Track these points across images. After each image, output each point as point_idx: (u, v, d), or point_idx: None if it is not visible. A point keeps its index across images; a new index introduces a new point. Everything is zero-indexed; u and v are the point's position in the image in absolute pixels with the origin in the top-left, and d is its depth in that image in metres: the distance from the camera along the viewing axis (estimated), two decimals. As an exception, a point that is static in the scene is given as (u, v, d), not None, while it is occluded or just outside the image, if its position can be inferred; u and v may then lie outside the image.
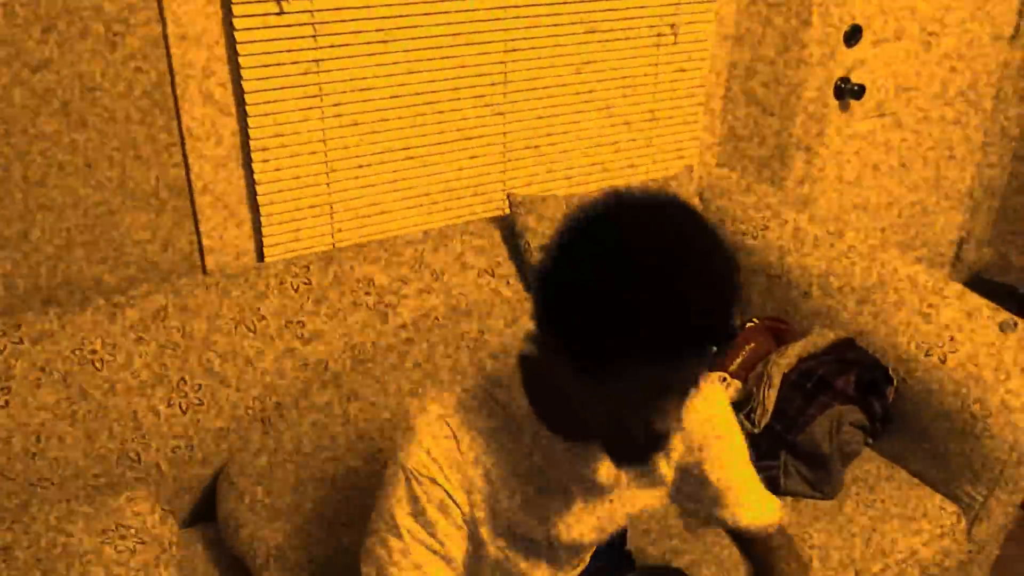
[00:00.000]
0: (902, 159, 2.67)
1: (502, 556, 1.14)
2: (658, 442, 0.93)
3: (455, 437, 1.03)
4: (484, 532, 1.09)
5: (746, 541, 1.26)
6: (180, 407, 1.51)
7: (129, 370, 1.49)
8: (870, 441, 1.70)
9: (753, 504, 1.23)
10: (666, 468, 1.15)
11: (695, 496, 1.20)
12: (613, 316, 0.83)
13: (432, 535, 1.05)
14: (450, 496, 1.04)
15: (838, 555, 1.51)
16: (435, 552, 1.06)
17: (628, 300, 0.82)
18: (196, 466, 1.54)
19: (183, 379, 1.52)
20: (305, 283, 1.65)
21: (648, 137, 2.14)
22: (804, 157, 2.38)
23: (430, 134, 1.84)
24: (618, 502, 1.15)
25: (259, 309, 1.60)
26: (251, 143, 1.64)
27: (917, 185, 2.77)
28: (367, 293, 1.69)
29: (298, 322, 1.62)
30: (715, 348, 0.85)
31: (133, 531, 1.33)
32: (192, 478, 1.54)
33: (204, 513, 1.56)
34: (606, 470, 1.09)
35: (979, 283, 2.88)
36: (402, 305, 1.71)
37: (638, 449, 0.95)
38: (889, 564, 1.53)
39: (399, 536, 1.05)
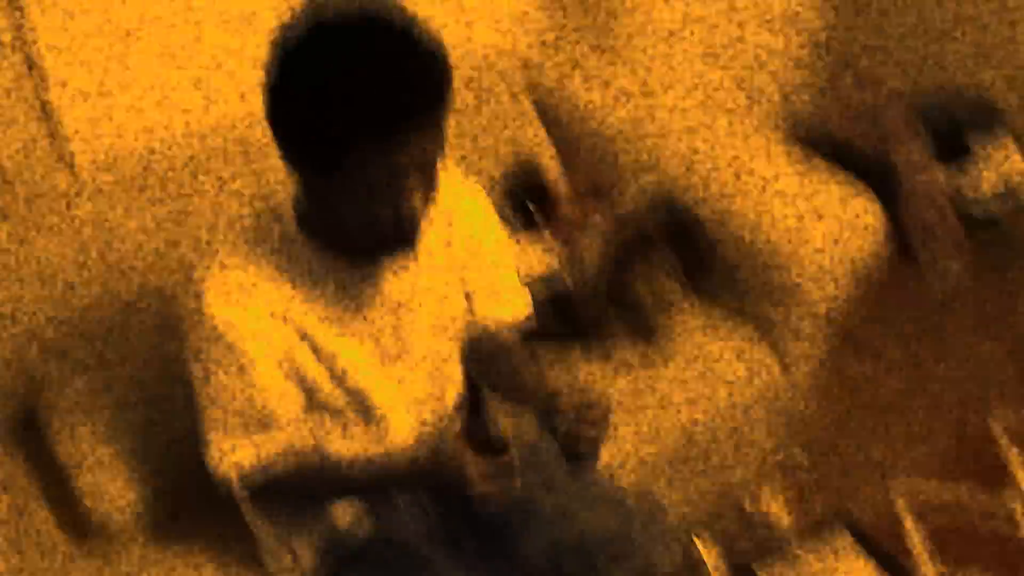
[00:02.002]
0: (725, 17, 2.70)
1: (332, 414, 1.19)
2: (412, 223, 1.01)
3: (245, 291, 1.07)
4: (306, 367, 1.13)
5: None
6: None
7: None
8: (690, 289, 1.78)
9: (510, 297, 1.32)
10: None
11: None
12: (323, 114, 0.91)
13: (248, 383, 1.09)
14: (256, 347, 1.08)
15: (662, 401, 1.62)
16: (257, 409, 1.11)
17: (329, 87, 0.91)
18: (16, 376, 1.46)
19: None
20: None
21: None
22: (627, 16, 2.38)
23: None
24: (426, 304, 1.21)
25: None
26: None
27: (739, 38, 2.82)
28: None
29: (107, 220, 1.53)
30: (434, 122, 0.96)
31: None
32: (12, 388, 1.46)
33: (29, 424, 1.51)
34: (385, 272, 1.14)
35: (797, 129, 3.00)
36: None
37: (391, 236, 1.03)
38: (713, 407, 1.66)
39: (220, 400, 1.10)
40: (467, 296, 1.27)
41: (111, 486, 1.33)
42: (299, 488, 1.21)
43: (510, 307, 1.33)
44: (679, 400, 1.63)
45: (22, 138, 1.59)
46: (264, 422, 1.12)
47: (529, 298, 1.35)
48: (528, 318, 1.35)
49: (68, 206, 1.50)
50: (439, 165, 1.02)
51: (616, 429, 1.53)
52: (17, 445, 1.49)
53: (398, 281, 1.16)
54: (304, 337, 1.11)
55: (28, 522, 1.37)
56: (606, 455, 1.48)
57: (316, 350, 1.12)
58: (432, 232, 1.15)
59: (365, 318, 1.15)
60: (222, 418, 1.11)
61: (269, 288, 1.08)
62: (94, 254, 1.49)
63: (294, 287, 1.09)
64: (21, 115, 1.57)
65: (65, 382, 1.41)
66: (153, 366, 1.41)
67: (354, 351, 1.15)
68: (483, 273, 1.27)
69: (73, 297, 1.47)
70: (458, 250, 1.22)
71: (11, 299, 1.43)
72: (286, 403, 1.13)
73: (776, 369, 1.76)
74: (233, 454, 1.13)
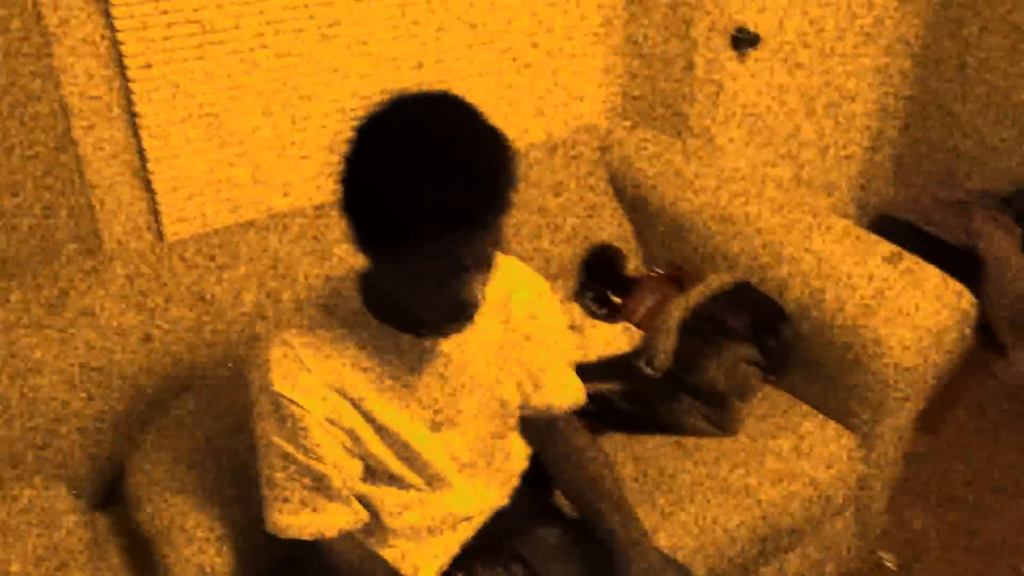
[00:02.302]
0: (802, 104, 2.73)
1: (403, 499, 1.19)
2: (466, 310, 1.07)
3: (302, 363, 1.11)
4: (367, 440, 1.16)
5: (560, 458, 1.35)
6: (84, 390, 1.50)
7: (31, 356, 1.47)
8: (770, 379, 1.76)
9: (564, 385, 1.34)
10: (491, 352, 1.24)
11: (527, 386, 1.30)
12: (389, 207, 0.96)
13: (311, 455, 1.11)
14: (313, 417, 1.11)
15: (739, 484, 1.58)
16: (318, 479, 1.13)
17: (397, 189, 0.96)
18: (103, 448, 1.53)
19: (84, 363, 1.50)
20: (207, 259, 1.65)
21: (548, 92, 2.15)
22: (704, 108, 2.43)
23: (323, 103, 1.83)
24: (481, 385, 1.24)
25: (161, 288, 1.59)
26: (138, 120, 1.62)
27: (819, 131, 2.84)
28: (272, 267, 1.69)
29: (200, 298, 1.62)
30: (493, 224, 1.00)
31: (39, 516, 1.33)
32: (100, 460, 1.54)
33: (115, 494, 1.56)
34: (444, 346, 1.18)
35: (881, 222, 2.97)
36: (304, 277, 1.71)
37: (451, 317, 1.09)
38: (788, 492, 1.60)
39: (274, 466, 1.13)
40: (522, 379, 1.29)
41: (199, 556, 1.35)
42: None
43: (563, 394, 1.34)
44: (757, 486, 1.58)
45: (126, 209, 1.70)
46: (324, 492, 1.14)
47: (582, 386, 1.36)
48: (581, 405, 1.36)
49: (160, 273, 1.59)
50: (497, 258, 1.07)
51: (682, 515, 1.51)
52: (104, 513, 1.54)
53: (455, 358, 1.20)
54: (361, 410, 1.15)
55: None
56: (665, 540, 1.47)
57: (373, 421, 1.16)
58: (490, 312, 1.20)
59: (420, 392, 1.18)
60: (281, 487, 1.14)
61: (331, 363, 1.12)
62: (186, 320, 1.57)
63: (355, 363, 1.14)
64: (127, 189, 1.68)
65: (156, 445, 1.46)
66: (236, 431, 1.44)
67: (407, 422, 1.18)
68: (538, 356, 1.29)
69: (166, 356, 1.56)
70: (515, 332, 1.25)
71: (107, 356, 1.51)
72: (344, 473, 1.15)
73: (857, 459, 1.70)
74: (292, 523, 1.15)
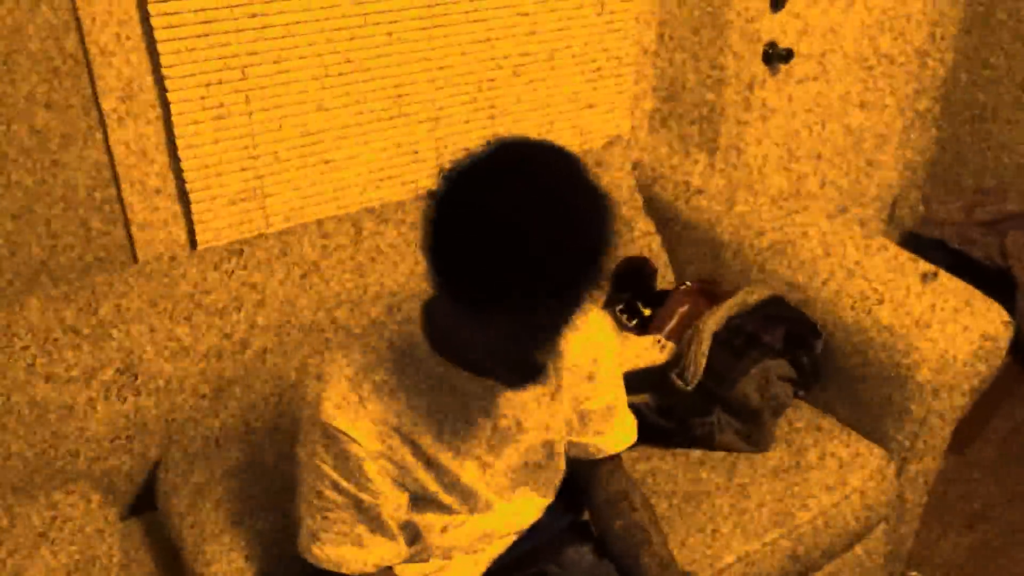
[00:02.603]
0: (833, 120, 2.72)
1: (443, 520, 1.17)
2: (538, 372, 1.04)
3: (361, 400, 1.08)
4: (420, 477, 1.13)
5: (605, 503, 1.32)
6: (117, 398, 1.51)
7: (63, 364, 1.48)
8: (800, 393, 1.75)
9: (617, 427, 1.32)
10: (559, 391, 1.22)
11: (575, 423, 1.28)
12: (482, 267, 0.90)
13: (356, 483, 1.09)
14: (367, 452, 1.08)
15: (771, 504, 1.56)
16: (365, 511, 1.11)
17: (494, 252, 0.89)
18: (136, 456, 1.54)
19: (118, 370, 1.51)
20: (241, 268, 1.65)
21: (579, 107, 2.16)
22: (736, 123, 2.42)
23: (360, 112, 1.84)
24: (530, 430, 1.21)
25: (194, 296, 1.60)
26: (175, 129, 1.64)
27: (849, 147, 2.83)
28: (303, 276, 1.70)
29: (235, 308, 1.62)
30: (588, 294, 0.94)
31: (72, 524, 1.34)
32: (133, 468, 1.54)
33: (147, 502, 1.56)
34: (508, 395, 1.16)
35: (912, 239, 2.95)
36: (339, 287, 1.72)
37: (521, 376, 1.05)
38: (821, 510, 1.59)
39: (322, 495, 1.10)
40: (571, 417, 1.27)
41: (229, 567, 1.35)
42: None
43: (616, 437, 1.32)
44: (787, 504, 1.56)
45: (159, 217, 1.71)
46: (371, 525, 1.13)
47: (635, 430, 1.35)
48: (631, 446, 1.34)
49: (193, 281, 1.61)
50: (575, 323, 1.02)
51: (714, 533, 1.50)
52: (136, 520, 1.55)
53: (512, 400, 1.17)
54: (415, 446, 1.12)
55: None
56: (697, 559, 1.45)
57: (425, 458, 1.13)
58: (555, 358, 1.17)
59: (474, 431, 1.16)
60: (326, 517, 1.12)
61: (389, 402, 1.09)
62: (218, 328, 1.58)
63: (412, 401, 1.10)
64: (161, 198, 1.69)
65: (190, 454, 1.46)
66: (271, 443, 1.44)
67: (459, 460, 1.16)
68: (596, 397, 1.27)
69: (198, 364, 1.57)
70: (574, 374, 1.23)
71: (139, 363, 1.53)
72: (392, 506, 1.14)
73: (890, 477, 1.68)
74: (332, 555, 1.13)
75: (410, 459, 1.12)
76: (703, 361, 1.62)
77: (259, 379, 1.58)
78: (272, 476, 1.41)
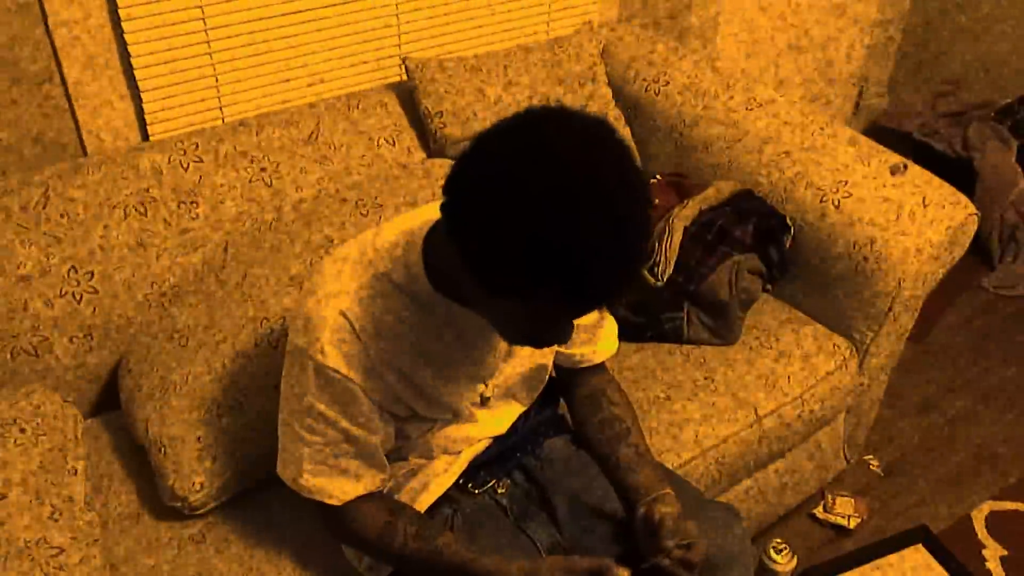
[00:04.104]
0: (801, 10, 2.66)
1: (426, 427, 1.17)
2: (544, 345, 0.99)
3: (360, 339, 1.03)
4: (412, 406, 1.12)
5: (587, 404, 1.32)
6: (73, 296, 1.46)
7: (14, 262, 1.42)
8: (768, 287, 1.76)
9: (608, 338, 1.31)
10: None
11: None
12: (512, 263, 0.83)
13: (350, 418, 1.07)
14: (363, 390, 1.05)
15: (740, 394, 1.59)
16: (360, 446, 1.09)
17: (529, 255, 0.81)
18: (97, 355, 1.50)
19: (73, 268, 1.46)
20: (196, 160, 1.58)
21: (546, -7, 2.07)
22: (704, 9, 2.35)
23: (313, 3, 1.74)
24: (524, 356, 1.20)
25: (148, 190, 1.53)
26: (120, 12, 1.53)
27: (816, 39, 2.77)
28: (262, 168, 1.63)
29: (191, 202, 1.56)
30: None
31: (35, 424, 1.31)
32: (94, 367, 1.51)
33: (111, 402, 1.54)
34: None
35: (876, 130, 2.94)
36: (299, 179, 1.66)
37: (528, 344, 1.01)
38: (787, 400, 1.62)
39: (314, 430, 1.07)
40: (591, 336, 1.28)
41: (193, 464, 1.34)
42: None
43: (604, 347, 1.31)
44: (754, 395, 1.59)
45: (108, 109, 1.61)
46: (365, 459, 1.12)
47: (616, 339, 1.33)
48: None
49: (145, 174, 1.52)
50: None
51: (684, 421, 1.52)
52: (101, 422, 1.53)
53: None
54: (411, 382, 1.10)
55: (111, 495, 1.40)
56: (680, 456, 1.48)
57: (420, 390, 1.11)
58: None
59: (469, 364, 1.15)
60: (317, 449, 1.09)
61: (387, 342, 1.05)
62: (174, 223, 1.53)
63: (410, 339, 1.07)
64: (110, 88, 1.59)
65: (151, 352, 1.43)
66: (233, 339, 1.42)
67: (455, 393, 1.16)
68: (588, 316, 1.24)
69: (157, 260, 1.53)
70: None
71: (95, 260, 1.48)
72: (382, 437, 1.13)
73: (853, 367, 1.71)
74: (325, 487, 1.12)
75: (407, 392, 1.10)
76: (674, 256, 1.61)
77: (220, 276, 1.53)
78: (235, 376, 1.39)
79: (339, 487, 1.12)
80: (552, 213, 0.79)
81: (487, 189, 0.83)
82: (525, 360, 1.22)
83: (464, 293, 1.00)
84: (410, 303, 1.05)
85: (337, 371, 1.03)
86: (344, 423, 1.07)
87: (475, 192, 0.85)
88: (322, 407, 1.06)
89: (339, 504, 1.13)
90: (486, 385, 1.19)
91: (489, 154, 0.85)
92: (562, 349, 1.28)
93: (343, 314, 1.03)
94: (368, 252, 1.07)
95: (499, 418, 1.26)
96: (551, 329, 0.96)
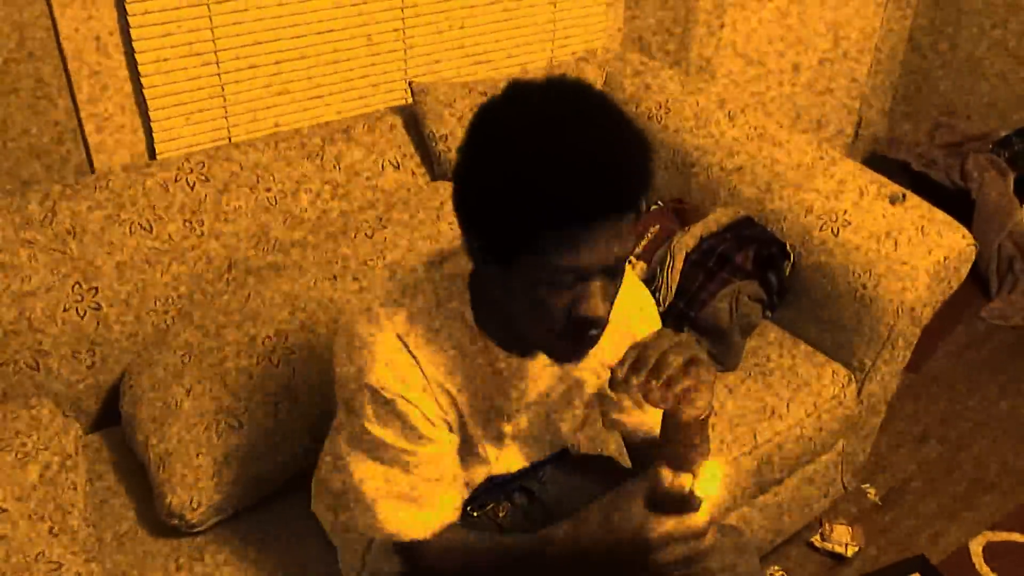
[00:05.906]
0: (801, 40, 2.69)
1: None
2: (587, 330, 0.93)
3: (416, 360, 1.02)
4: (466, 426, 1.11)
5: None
6: (77, 312, 1.47)
7: (19, 276, 1.43)
8: (768, 313, 1.76)
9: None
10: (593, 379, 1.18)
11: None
12: (511, 192, 0.85)
13: (417, 437, 1.04)
14: (420, 411, 1.03)
15: (738, 421, 1.59)
16: (414, 469, 1.05)
17: (522, 174, 0.85)
18: (99, 371, 1.51)
19: (77, 283, 1.47)
20: (202, 179, 1.60)
21: (552, 20, 2.10)
22: (706, 39, 2.38)
23: (325, 20, 1.76)
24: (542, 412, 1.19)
25: (155, 207, 1.55)
26: (132, 31, 1.55)
27: (816, 68, 2.81)
28: (268, 188, 1.65)
29: (198, 220, 1.58)
30: (624, 221, 0.88)
31: (35, 438, 1.31)
32: (96, 383, 1.51)
33: (112, 417, 1.54)
34: (537, 385, 1.12)
35: (875, 160, 2.97)
36: (305, 199, 1.68)
37: (571, 343, 0.96)
38: (785, 427, 1.62)
39: (378, 458, 1.04)
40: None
41: (193, 482, 1.34)
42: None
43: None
44: (752, 421, 1.60)
45: (116, 126, 1.63)
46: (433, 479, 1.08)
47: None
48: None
49: (152, 191, 1.53)
50: (627, 267, 0.94)
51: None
52: (102, 437, 1.53)
53: (538, 384, 1.14)
54: (455, 404, 1.08)
55: (109, 511, 1.40)
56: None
57: (458, 414, 1.10)
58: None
59: (498, 406, 1.13)
60: (386, 481, 1.06)
61: (438, 360, 1.04)
62: (180, 239, 1.53)
63: (455, 364, 1.05)
64: (119, 107, 1.62)
65: (155, 367, 1.44)
66: (237, 354, 1.42)
67: (481, 432, 1.14)
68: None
69: (162, 276, 1.54)
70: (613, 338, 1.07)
71: (99, 275, 1.49)
72: (451, 448, 1.10)
73: (851, 396, 1.72)
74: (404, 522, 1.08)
75: (452, 413, 1.08)
76: (675, 282, 1.62)
77: (224, 295, 1.54)
78: (237, 393, 1.39)
79: (411, 518, 1.07)
80: (522, 141, 0.86)
81: (471, 145, 0.91)
82: (547, 422, 1.20)
83: (503, 316, 0.99)
84: (457, 328, 1.04)
85: (395, 393, 1.00)
86: (410, 446, 1.03)
87: (465, 155, 0.92)
88: (377, 431, 1.02)
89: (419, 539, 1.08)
90: (508, 422, 1.17)
91: (476, 122, 0.92)
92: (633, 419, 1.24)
93: (396, 334, 1.01)
94: (412, 277, 1.07)
95: (509, 463, 1.24)
96: (578, 295, 0.91)
